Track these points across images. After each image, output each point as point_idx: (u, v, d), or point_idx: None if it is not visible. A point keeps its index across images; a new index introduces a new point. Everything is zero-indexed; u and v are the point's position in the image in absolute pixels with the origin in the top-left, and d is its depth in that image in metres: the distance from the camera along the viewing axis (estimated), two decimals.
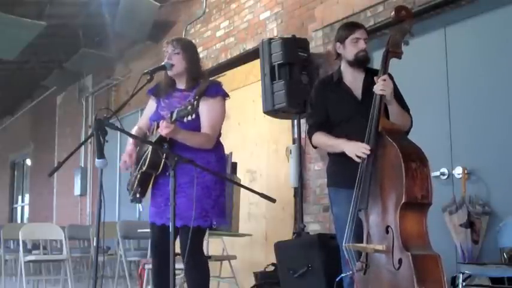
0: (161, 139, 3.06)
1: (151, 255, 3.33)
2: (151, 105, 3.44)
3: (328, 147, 3.19)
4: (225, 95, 3.29)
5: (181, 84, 3.32)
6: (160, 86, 3.38)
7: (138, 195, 3.25)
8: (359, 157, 2.87)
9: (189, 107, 2.74)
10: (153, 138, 3.14)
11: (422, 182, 2.66)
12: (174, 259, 2.64)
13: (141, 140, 3.25)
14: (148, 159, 3.15)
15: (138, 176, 3.23)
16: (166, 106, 3.29)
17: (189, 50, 3.30)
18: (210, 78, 3.54)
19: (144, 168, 3.18)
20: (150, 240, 3.35)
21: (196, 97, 2.82)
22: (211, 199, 3.18)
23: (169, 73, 3.27)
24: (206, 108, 3.17)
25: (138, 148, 3.36)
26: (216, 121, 3.22)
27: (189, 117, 2.76)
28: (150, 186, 3.25)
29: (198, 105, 2.76)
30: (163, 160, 3.08)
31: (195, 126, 3.12)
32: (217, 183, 3.21)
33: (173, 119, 2.92)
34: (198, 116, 3.13)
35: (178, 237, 3.18)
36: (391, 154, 2.72)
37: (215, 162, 3.23)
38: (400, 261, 2.57)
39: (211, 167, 3.15)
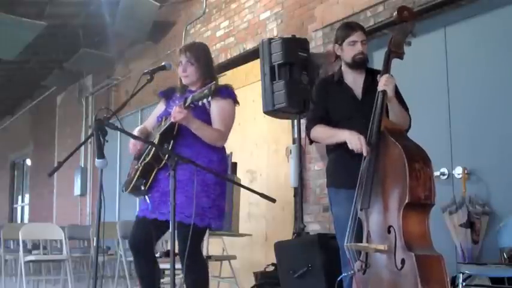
0: (171, 126, 3.05)
1: (130, 249, 3.30)
2: (160, 106, 3.45)
3: (328, 138, 3.16)
4: (235, 100, 3.28)
5: (193, 87, 3.32)
6: (171, 90, 3.40)
7: (142, 187, 3.22)
8: (357, 149, 2.87)
9: (206, 91, 2.74)
10: (161, 129, 3.13)
11: (425, 182, 2.65)
12: (174, 259, 2.64)
13: (141, 140, 3.24)
14: (153, 151, 3.14)
15: (141, 167, 3.21)
16: (175, 105, 3.29)
17: (202, 58, 3.29)
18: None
19: (147, 159, 3.16)
20: (130, 235, 3.28)
21: (214, 82, 2.82)
22: (210, 199, 3.15)
23: (184, 81, 3.29)
24: (217, 108, 3.18)
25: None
26: (227, 120, 3.22)
27: (205, 100, 2.77)
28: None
29: (215, 89, 2.75)
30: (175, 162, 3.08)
31: (205, 120, 3.14)
32: (218, 183, 3.18)
33: (187, 103, 2.91)
34: (208, 113, 3.17)
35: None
36: (394, 154, 2.72)
37: (217, 162, 3.21)
38: (403, 261, 2.56)
39: (213, 166, 3.14)
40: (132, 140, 3.31)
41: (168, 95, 3.41)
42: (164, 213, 3.10)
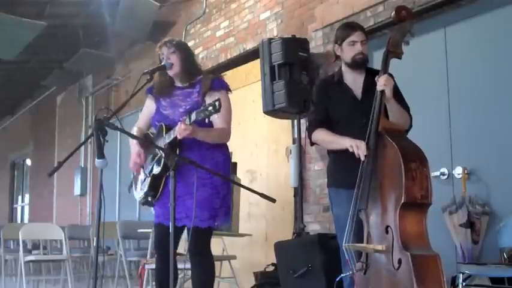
0: (175, 141, 3.05)
1: (156, 255, 3.32)
2: (150, 104, 3.43)
3: (328, 144, 3.20)
4: (227, 89, 3.32)
5: (180, 83, 3.33)
6: (158, 86, 3.37)
7: (150, 199, 3.27)
8: (355, 154, 2.88)
9: (211, 108, 2.73)
10: (165, 140, 3.11)
11: (421, 182, 2.66)
12: (174, 259, 2.64)
13: (141, 140, 3.25)
14: (162, 163, 3.14)
15: (149, 179, 3.23)
16: (168, 105, 3.29)
17: (182, 48, 3.32)
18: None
19: (156, 172, 3.18)
20: (155, 241, 3.33)
21: (219, 98, 2.79)
22: (220, 199, 3.20)
23: (170, 73, 3.28)
24: None
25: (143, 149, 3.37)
26: (227, 114, 3.24)
27: (211, 118, 2.78)
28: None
29: (220, 106, 2.74)
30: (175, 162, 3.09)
31: (205, 122, 3.12)
32: (225, 182, 3.23)
33: (192, 120, 2.90)
34: None
35: (186, 237, 3.20)
36: (390, 154, 2.73)
37: (223, 162, 3.25)
38: (399, 261, 2.57)
39: (220, 167, 3.18)
40: (133, 157, 3.31)
41: (156, 91, 3.38)
42: (179, 218, 3.10)
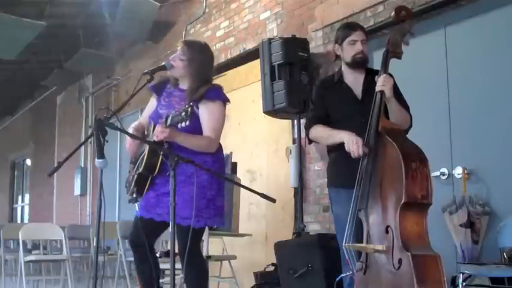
0: (156, 142, 3.05)
1: (130, 248, 3.32)
2: (153, 102, 3.42)
3: (326, 138, 3.18)
4: (225, 100, 3.25)
5: (183, 84, 3.30)
6: (163, 83, 3.36)
7: (134, 195, 3.25)
8: (352, 153, 2.88)
9: (183, 114, 2.71)
10: (150, 140, 3.12)
11: (422, 182, 2.66)
12: (174, 259, 2.64)
13: (141, 140, 3.24)
14: (144, 161, 3.14)
15: (136, 177, 3.22)
16: (166, 105, 3.28)
17: (196, 59, 3.22)
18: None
19: (140, 170, 3.17)
20: (131, 231, 3.28)
21: (191, 103, 2.80)
22: (206, 199, 3.15)
23: (168, 73, 3.26)
24: (206, 112, 3.15)
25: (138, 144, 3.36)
26: (217, 124, 3.19)
27: (183, 124, 2.74)
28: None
29: (192, 112, 2.72)
30: (159, 162, 3.09)
31: (192, 129, 3.09)
32: (214, 183, 3.17)
33: (167, 124, 2.90)
34: (197, 119, 3.13)
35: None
36: (391, 154, 2.73)
37: (212, 163, 3.19)
38: (400, 261, 2.57)
39: (207, 166, 3.12)
40: (128, 139, 3.31)
41: (159, 89, 3.37)
42: (160, 214, 3.12)
